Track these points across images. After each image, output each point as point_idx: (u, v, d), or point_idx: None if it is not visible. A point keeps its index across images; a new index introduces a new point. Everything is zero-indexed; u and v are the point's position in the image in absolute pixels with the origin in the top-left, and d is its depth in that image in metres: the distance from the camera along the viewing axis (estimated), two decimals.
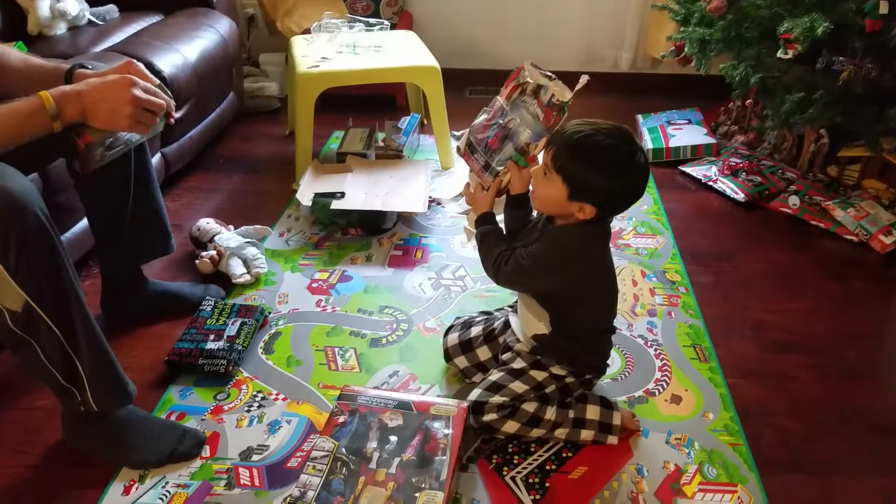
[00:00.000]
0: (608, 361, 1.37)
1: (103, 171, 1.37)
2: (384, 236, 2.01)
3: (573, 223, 1.21)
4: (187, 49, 2.16)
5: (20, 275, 1.03)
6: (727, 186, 2.24)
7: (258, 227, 1.92)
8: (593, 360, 1.34)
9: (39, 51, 1.84)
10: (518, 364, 1.31)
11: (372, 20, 2.55)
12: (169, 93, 1.26)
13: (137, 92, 1.17)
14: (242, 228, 1.91)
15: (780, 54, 1.92)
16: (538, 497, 1.21)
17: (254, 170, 2.46)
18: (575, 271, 1.23)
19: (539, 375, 1.29)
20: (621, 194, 1.17)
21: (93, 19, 2.28)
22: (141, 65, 1.26)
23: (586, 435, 1.29)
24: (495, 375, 1.31)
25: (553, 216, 1.25)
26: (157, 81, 1.25)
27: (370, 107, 2.82)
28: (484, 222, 1.32)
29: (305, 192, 2.01)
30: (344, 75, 2.19)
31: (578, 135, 1.14)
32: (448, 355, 1.46)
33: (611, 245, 1.30)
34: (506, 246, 1.27)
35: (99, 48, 2.08)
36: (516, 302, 1.46)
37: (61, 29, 2.20)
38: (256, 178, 2.39)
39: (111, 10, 2.34)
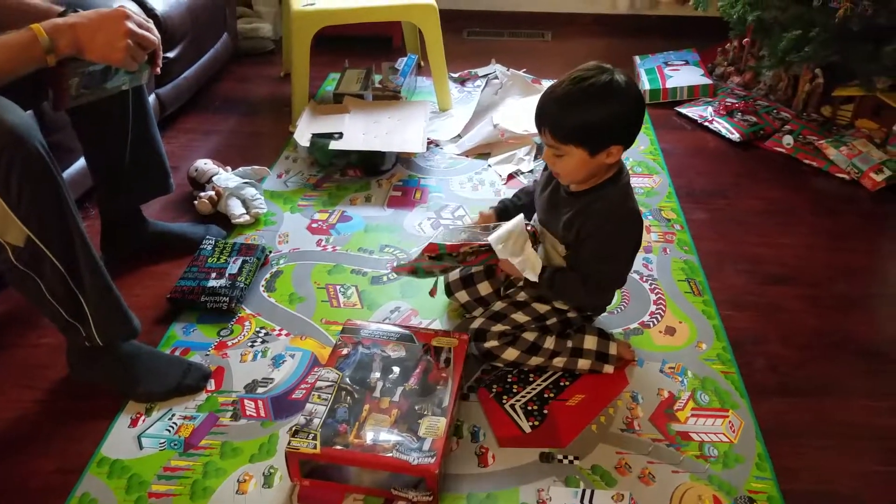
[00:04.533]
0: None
1: (103, 114, 1.37)
2: (383, 177, 2.01)
3: (602, 182, 1.20)
4: None
5: (22, 209, 1.03)
6: (723, 126, 2.24)
7: (256, 167, 1.92)
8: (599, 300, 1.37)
9: None
10: (521, 296, 1.34)
11: None
12: (158, 34, 1.24)
13: (132, 25, 1.15)
14: (240, 169, 1.91)
15: None
16: (537, 423, 1.25)
17: (250, 111, 2.44)
18: (631, 221, 1.23)
19: (541, 308, 1.32)
20: (628, 116, 1.16)
21: None
22: (134, 6, 1.23)
23: (583, 364, 1.33)
24: (498, 306, 1.34)
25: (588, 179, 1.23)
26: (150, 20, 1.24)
27: (367, 48, 2.78)
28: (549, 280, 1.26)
29: (303, 133, 2.01)
30: (339, 14, 2.16)
31: (554, 100, 1.14)
32: (449, 290, 1.48)
33: None
34: (573, 273, 1.25)
35: None
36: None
37: None
38: (253, 120, 2.38)
39: None
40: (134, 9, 1.23)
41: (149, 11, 1.92)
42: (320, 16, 2.13)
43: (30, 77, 1.13)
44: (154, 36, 1.20)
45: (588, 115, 1.12)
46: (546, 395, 1.31)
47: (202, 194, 1.80)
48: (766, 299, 1.57)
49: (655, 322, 1.49)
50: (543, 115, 1.17)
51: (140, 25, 1.18)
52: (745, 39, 2.41)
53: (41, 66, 1.11)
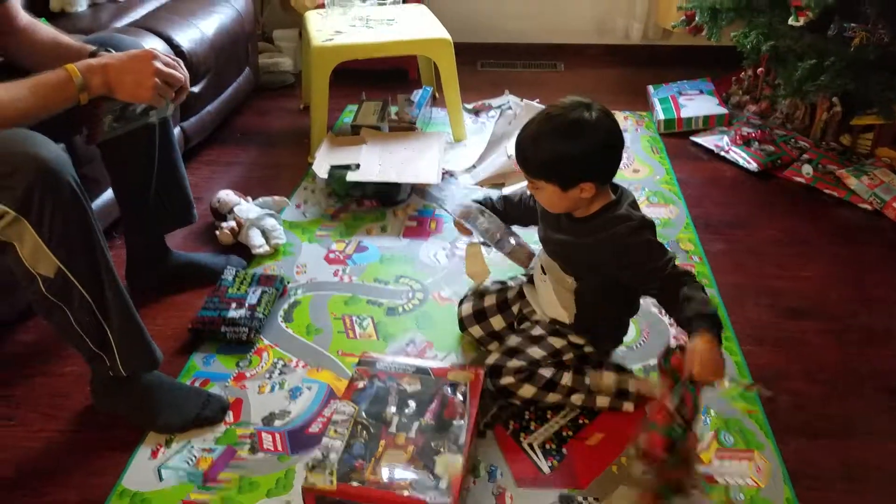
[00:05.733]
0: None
1: (131, 146, 1.41)
2: (398, 207, 2.03)
3: (603, 207, 1.20)
4: (205, 24, 2.18)
5: (54, 242, 1.07)
6: (739, 156, 2.24)
7: (276, 198, 1.95)
8: (612, 335, 1.36)
9: (62, 26, 1.85)
10: (536, 331, 1.33)
11: None
12: (186, 72, 1.28)
13: (159, 64, 1.20)
14: (261, 199, 1.94)
15: (791, 21, 1.91)
16: (555, 463, 1.24)
17: (270, 143, 2.48)
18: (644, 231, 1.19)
19: (557, 342, 1.32)
20: (595, 154, 1.15)
21: None
22: (160, 43, 1.27)
23: (602, 401, 1.32)
24: (513, 340, 1.34)
25: (570, 211, 1.23)
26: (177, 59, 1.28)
27: (383, 81, 2.82)
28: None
29: (322, 164, 2.03)
30: (357, 48, 2.19)
31: (526, 133, 1.16)
32: (463, 325, 1.49)
33: None
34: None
35: (119, 24, 2.09)
36: (531, 272, 1.49)
37: (82, 6, 2.21)
38: (273, 151, 2.42)
39: None
40: (160, 46, 1.27)
41: (175, 48, 1.97)
42: (339, 51, 2.17)
43: (62, 112, 1.17)
44: (181, 73, 1.25)
45: (554, 153, 1.13)
46: (564, 434, 1.29)
47: (223, 225, 1.83)
48: (788, 334, 1.55)
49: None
50: (517, 149, 1.19)
51: (167, 64, 1.22)
52: (760, 69, 2.42)
53: (75, 104, 1.15)
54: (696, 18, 2.32)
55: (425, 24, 2.36)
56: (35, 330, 1.56)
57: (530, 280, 1.43)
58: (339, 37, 2.22)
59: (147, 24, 2.04)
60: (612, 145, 1.16)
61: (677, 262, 1.20)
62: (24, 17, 1.36)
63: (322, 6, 2.54)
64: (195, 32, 2.11)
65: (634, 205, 1.23)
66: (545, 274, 1.32)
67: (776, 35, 2.03)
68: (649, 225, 1.19)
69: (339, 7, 2.44)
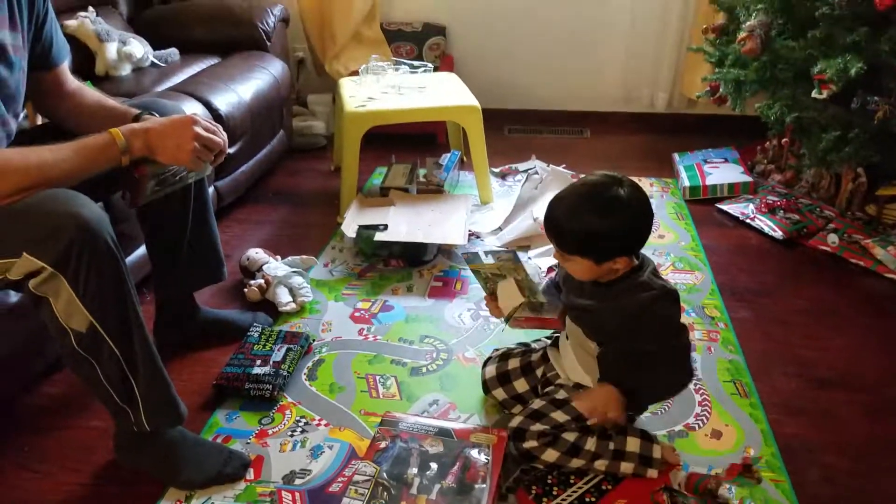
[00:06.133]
0: None
1: (166, 204, 1.47)
2: (425, 268, 2.06)
3: (626, 273, 1.22)
4: (242, 89, 2.28)
5: (88, 297, 1.09)
6: (765, 224, 2.24)
7: (304, 257, 2.00)
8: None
9: (106, 90, 1.96)
10: (560, 395, 1.33)
11: (416, 63, 2.66)
12: (225, 136, 1.34)
13: (199, 129, 1.26)
14: (289, 258, 1.99)
15: (814, 94, 1.94)
16: None
17: (301, 203, 2.55)
18: (670, 302, 1.22)
19: None
20: (629, 231, 1.18)
21: (155, 61, 2.42)
22: (200, 107, 1.34)
23: (626, 467, 1.30)
24: (537, 404, 1.33)
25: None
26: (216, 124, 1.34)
27: (412, 144, 2.90)
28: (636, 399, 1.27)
29: (350, 224, 2.09)
30: (389, 114, 2.28)
31: (560, 210, 1.18)
32: (486, 387, 1.49)
33: None
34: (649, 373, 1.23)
35: (161, 88, 2.21)
36: (555, 336, 1.49)
37: (126, 70, 2.34)
38: (303, 211, 2.48)
39: (173, 52, 2.49)
40: (200, 110, 1.34)
41: (213, 112, 2.07)
42: (371, 116, 2.26)
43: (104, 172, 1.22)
44: (220, 138, 1.30)
45: (590, 230, 1.16)
46: (587, 500, 1.27)
47: (252, 282, 1.87)
48: (817, 404, 1.52)
49: (701, 424, 1.45)
50: (549, 225, 1.21)
51: (207, 129, 1.28)
52: (785, 139, 2.45)
53: (116, 166, 1.21)
54: (721, 90, 2.37)
55: (455, 91, 2.45)
56: (62, 383, 1.59)
57: (554, 343, 1.44)
58: (371, 103, 2.31)
59: (187, 89, 2.15)
60: (644, 220, 1.19)
61: (690, 347, 1.24)
62: (73, 82, 1.44)
63: (356, 74, 2.66)
64: (233, 97, 2.21)
65: (655, 272, 1.24)
66: (568, 339, 1.33)
67: (800, 107, 2.07)
68: (671, 293, 1.20)
69: (372, 75, 2.54)
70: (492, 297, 1.41)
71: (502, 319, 1.42)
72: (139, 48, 2.35)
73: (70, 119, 1.40)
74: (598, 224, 1.15)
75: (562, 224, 1.18)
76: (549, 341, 1.50)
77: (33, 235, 1.06)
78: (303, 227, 2.35)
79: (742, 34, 2.16)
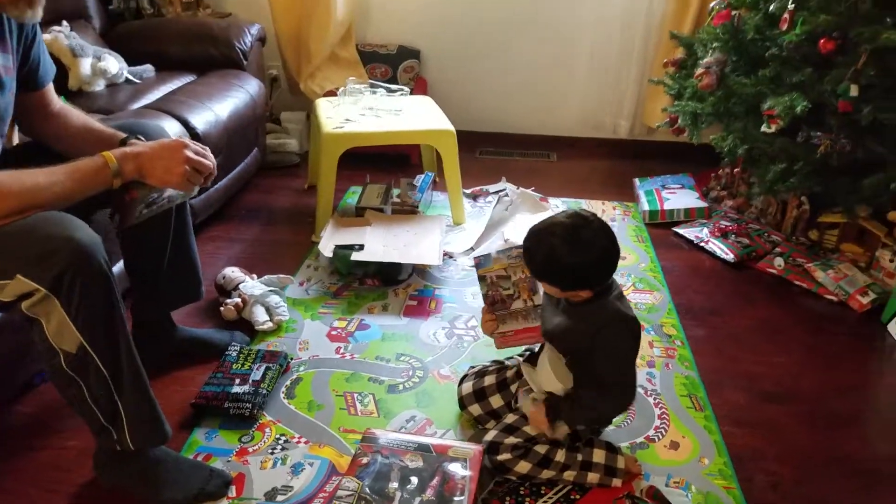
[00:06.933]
0: None
1: (148, 223, 1.49)
2: (399, 287, 2.13)
3: (595, 294, 1.31)
4: (219, 108, 2.33)
5: (79, 319, 1.12)
6: (718, 247, 2.39)
7: (281, 276, 2.05)
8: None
9: (80, 105, 1.94)
10: None
11: (392, 86, 2.74)
12: (213, 159, 1.38)
13: (189, 153, 1.30)
14: (266, 277, 2.03)
15: (764, 128, 2.10)
16: None
17: (274, 221, 2.59)
18: (628, 329, 1.32)
19: None
20: (596, 265, 1.27)
21: (130, 78, 2.44)
22: (177, 125, 1.36)
23: (593, 477, 1.39)
24: (510, 418, 1.42)
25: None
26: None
27: (385, 164, 2.97)
28: (555, 413, 1.37)
29: (327, 244, 2.15)
30: (366, 136, 2.35)
31: (533, 241, 1.28)
32: (462, 403, 1.57)
33: None
34: (587, 393, 1.35)
35: (136, 105, 2.23)
36: (528, 352, 1.59)
37: (100, 86, 2.35)
38: (276, 229, 2.53)
39: (148, 69, 2.51)
40: (177, 128, 1.35)
41: (190, 130, 2.10)
42: (349, 138, 2.32)
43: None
44: (209, 161, 1.35)
45: (557, 263, 1.25)
46: None
47: (228, 301, 1.91)
48: (764, 416, 1.65)
49: (661, 436, 1.56)
50: (524, 251, 1.31)
51: (197, 153, 1.32)
52: (737, 169, 2.60)
53: (107, 188, 1.25)
54: (679, 121, 2.52)
55: (430, 115, 2.53)
56: (34, 402, 1.60)
57: (528, 359, 1.53)
58: (348, 125, 2.37)
59: (164, 107, 2.18)
60: (607, 261, 1.28)
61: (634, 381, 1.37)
62: (57, 102, 1.46)
63: (332, 93, 2.71)
64: (210, 115, 2.25)
65: (621, 296, 1.35)
66: (544, 349, 1.43)
67: (751, 139, 2.22)
68: (628, 321, 1.31)
69: (350, 96, 2.61)
70: (490, 306, 1.49)
71: (495, 333, 1.51)
72: (114, 64, 2.37)
73: (55, 140, 1.42)
74: (564, 259, 1.24)
75: (533, 254, 1.28)
76: (520, 359, 1.59)
77: (28, 258, 1.08)
78: (276, 246, 2.39)
79: (699, 70, 2.32)
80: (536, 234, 1.28)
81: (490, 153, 3.35)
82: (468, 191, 2.81)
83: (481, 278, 1.49)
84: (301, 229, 2.50)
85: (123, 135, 1.41)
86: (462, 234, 2.49)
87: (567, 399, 1.37)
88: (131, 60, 2.51)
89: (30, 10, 1.19)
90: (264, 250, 2.36)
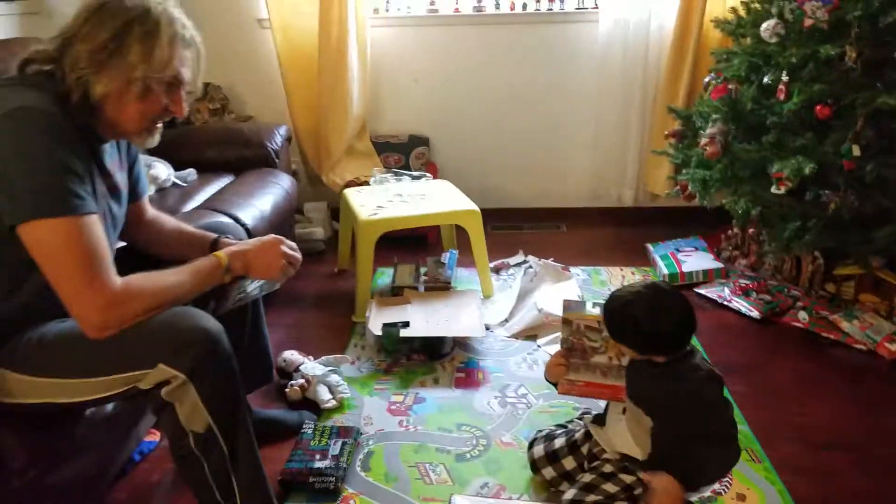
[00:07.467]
0: None
1: (230, 311, 1.60)
2: (445, 360, 2.21)
3: (677, 356, 1.39)
4: (261, 203, 2.46)
5: (210, 401, 1.22)
6: (741, 305, 2.51)
7: (338, 356, 2.12)
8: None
9: None
10: (607, 468, 1.48)
11: (415, 173, 2.91)
12: (300, 255, 1.51)
13: (285, 248, 1.45)
14: (323, 358, 2.11)
15: (773, 190, 2.26)
16: None
17: (309, 305, 2.68)
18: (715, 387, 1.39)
19: (628, 479, 1.46)
20: (673, 333, 1.37)
21: (177, 182, 2.58)
22: (230, 221, 1.51)
23: None
24: (587, 477, 1.48)
25: None
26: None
27: (404, 245, 3.05)
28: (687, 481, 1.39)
29: (375, 323, 2.23)
30: (400, 220, 2.48)
31: (615, 304, 1.38)
32: (535, 466, 1.62)
33: None
34: (708, 452, 1.37)
35: (186, 207, 2.36)
36: (585, 413, 1.66)
37: (151, 191, 2.48)
38: (314, 313, 2.61)
39: (191, 173, 2.66)
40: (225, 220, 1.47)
41: (242, 225, 2.21)
42: (384, 223, 2.45)
43: None
44: (300, 255, 1.49)
45: (636, 327, 1.36)
46: None
47: (292, 382, 1.98)
48: (820, 464, 1.72)
49: (726, 490, 1.62)
50: (604, 313, 1.42)
51: (291, 248, 1.46)
52: (752, 230, 2.75)
53: (220, 284, 1.36)
54: (689, 188, 2.69)
55: (453, 197, 2.68)
56: (127, 488, 1.65)
57: (595, 420, 1.60)
58: (381, 211, 2.51)
59: (214, 206, 2.31)
60: (685, 329, 1.38)
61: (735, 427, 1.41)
62: (151, 211, 1.60)
63: (352, 183, 2.86)
64: (255, 211, 2.38)
65: (701, 358, 1.43)
66: (622, 414, 1.50)
67: (761, 200, 2.38)
68: (717, 378, 1.39)
69: (377, 185, 2.77)
70: (567, 352, 1.53)
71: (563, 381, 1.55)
72: (164, 170, 2.51)
73: (149, 244, 1.55)
74: (643, 323, 1.35)
75: (613, 316, 1.39)
76: (581, 422, 1.66)
77: (168, 348, 1.19)
78: (318, 328, 2.47)
79: (704, 140, 2.50)
80: (617, 299, 1.38)
81: (501, 228, 3.49)
82: (491, 265, 2.93)
83: (566, 321, 1.52)
84: (338, 311, 2.58)
85: (213, 235, 1.55)
86: (493, 306, 2.59)
87: (687, 466, 1.38)
88: (173, 166, 2.65)
89: (151, 138, 1.34)
90: (308, 333, 2.43)
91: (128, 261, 1.35)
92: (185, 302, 1.30)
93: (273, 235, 1.48)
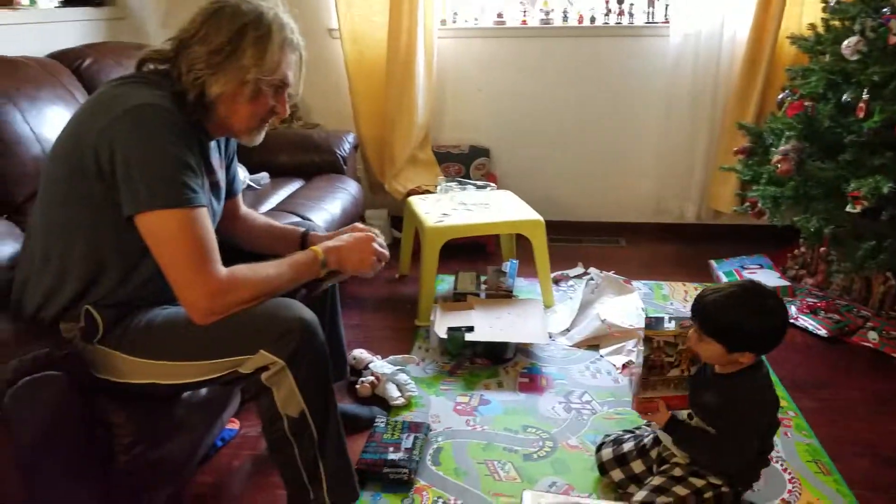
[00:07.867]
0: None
1: (314, 303, 1.68)
2: (507, 365, 2.25)
3: (743, 368, 1.43)
4: (331, 207, 2.57)
5: (305, 387, 1.29)
6: (809, 323, 2.47)
7: (406, 356, 2.19)
8: (747, 476, 1.52)
9: None
10: (677, 472, 1.50)
11: (479, 182, 2.97)
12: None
13: (376, 245, 1.53)
14: (391, 357, 2.18)
15: (849, 209, 2.23)
16: None
17: (372, 309, 2.76)
18: (764, 411, 1.45)
19: (698, 482, 1.47)
20: (770, 332, 1.40)
21: (252, 184, 2.70)
22: (375, 233, 1.58)
23: None
24: (657, 480, 1.50)
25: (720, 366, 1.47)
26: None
27: (463, 254, 3.09)
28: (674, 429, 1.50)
29: (441, 327, 2.29)
30: (465, 228, 2.55)
31: (715, 296, 1.40)
32: (604, 469, 1.65)
33: None
34: (709, 436, 1.46)
35: (261, 209, 2.46)
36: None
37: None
38: (378, 315, 2.69)
39: (264, 176, 2.78)
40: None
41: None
42: (451, 230, 2.52)
43: None
44: (388, 252, 1.56)
45: (735, 322, 1.38)
46: None
47: (363, 379, 2.05)
48: (892, 480, 1.70)
49: (795, 499, 1.61)
50: (699, 306, 1.43)
51: (381, 245, 1.53)
52: (823, 248, 2.71)
53: (315, 277, 1.44)
54: (759, 205, 2.67)
55: (515, 206, 2.74)
56: (211, 471, 1.74)
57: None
58: (447, 219, 2.58)
59: (287, 208, 2.43)
60: (781, 331, 1.42)
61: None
62: (244, 207, 1.70)
63: (414, 192, 2.94)
64: (326, 214, 2.49)
65: (767, 374, 1.47)
66: (691, 420, 1.51)
67: (835, 219, 2.35)
68: (774, 402, 1.45)
69: (442, 193, 2.84)
70: (649, 370, 1.53)
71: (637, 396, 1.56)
72: (239, 172, 2.62)
73: (243, 240, 1.64)
74: (744, 319, 1.37)
75: (711, 308, 1.40)
76: (648, 428, 1.67)
77: (270, 335, 1.27)
78: (383, 330, 2.54)
79: (777, 157, 2.49)
80: (718, 292, 1.40)
81: (560, 240, 3.50)
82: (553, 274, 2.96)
83: (647, 339, 1.53)
84: (400, 315, 2.65)
85: (302, 230, 1.64)
86: (554, 315, 2.62)
87: (691, 429, 1.48)
88: (248, 169, 2.79)
89: (259, 135, 1.43)
90: (373, 334, 2.50)
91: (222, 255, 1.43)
92: (283, 293, 1.38)
93: (365, 231, 1.56)
